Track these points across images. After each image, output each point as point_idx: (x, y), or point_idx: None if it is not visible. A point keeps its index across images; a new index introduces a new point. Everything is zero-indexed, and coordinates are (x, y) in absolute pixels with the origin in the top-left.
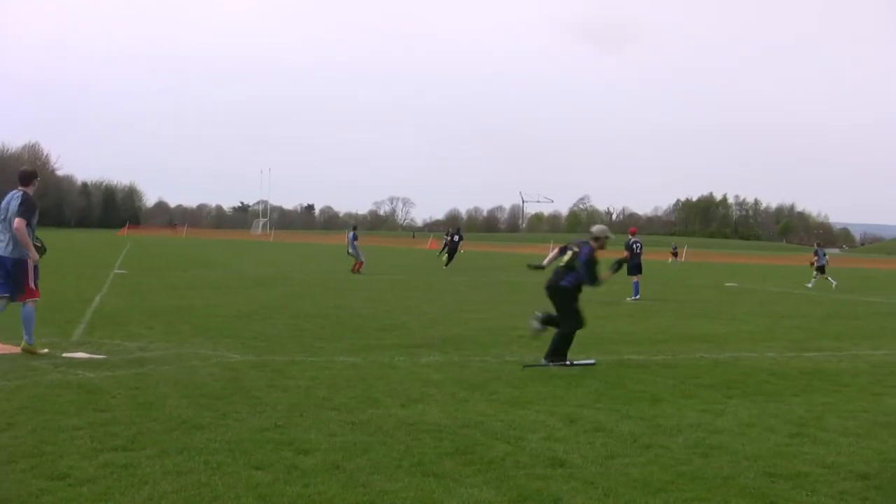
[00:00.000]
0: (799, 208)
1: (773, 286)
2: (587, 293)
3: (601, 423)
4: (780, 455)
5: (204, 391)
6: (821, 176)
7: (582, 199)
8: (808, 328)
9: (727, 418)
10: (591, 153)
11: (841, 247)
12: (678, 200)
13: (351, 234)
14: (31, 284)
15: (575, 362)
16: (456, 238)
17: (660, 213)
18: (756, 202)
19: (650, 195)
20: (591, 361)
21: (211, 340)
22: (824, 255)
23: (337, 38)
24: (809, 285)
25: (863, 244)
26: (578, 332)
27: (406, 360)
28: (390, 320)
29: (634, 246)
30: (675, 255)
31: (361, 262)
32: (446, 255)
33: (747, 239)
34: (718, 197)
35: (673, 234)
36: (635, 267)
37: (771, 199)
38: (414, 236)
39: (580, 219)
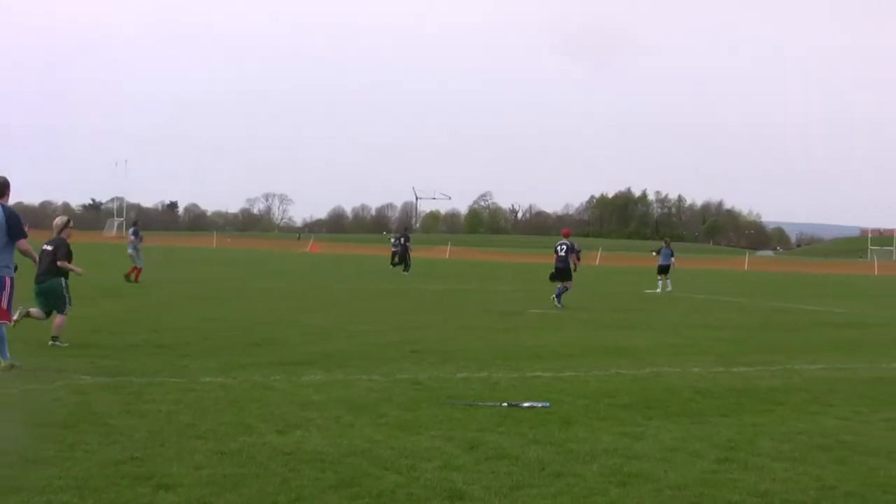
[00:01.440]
0: (728, 206)
1: (698, 293)
2: (484, 306)
3: (505, 449)
4: (708, 483)
5: (47, 419)
6: (752, 171)
7: (483, 195)
8: (738, 340)
9: (647, 442)
10: (493, 146)
11: (774, 248)
12: (592, 197)
13: (132, 230)
14: (3, 305)
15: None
16: (403, 241)
17: (571, 211)
18: (680, 199)
19: (561, 191)
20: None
21: (55, 359)
22: (671, 254)
23: (206, 20)
24: (658, 290)
25: (798, 245)
26: (475, 348)
27: (284, 379)
28: (266, 334)
29: (558, 248)
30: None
31: (139, 269)
32: (399, 261)
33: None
34: (637, 193)
35: (587, 235)
36: (558, 272)
37: (696, 196)
38: (300, 237)
39: (481, 217)
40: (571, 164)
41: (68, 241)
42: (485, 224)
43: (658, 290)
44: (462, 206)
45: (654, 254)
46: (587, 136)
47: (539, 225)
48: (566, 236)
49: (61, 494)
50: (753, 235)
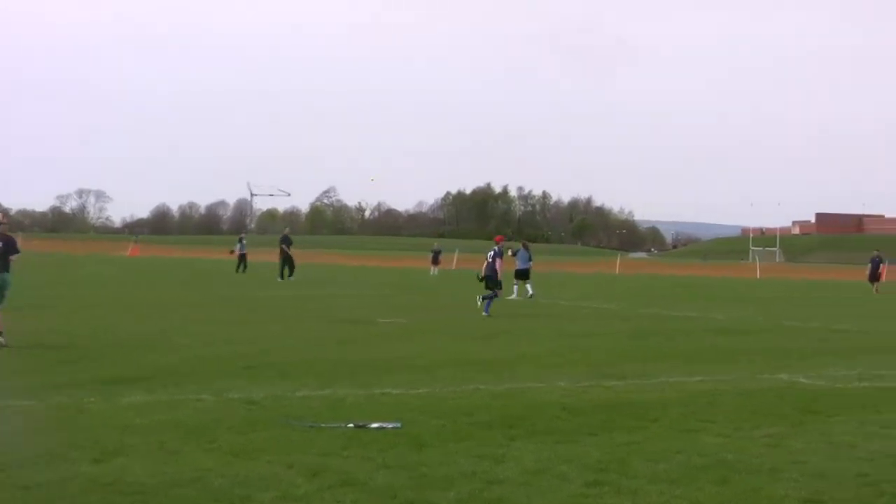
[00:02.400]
0: (597, 203)
1: (565, 299)
2: (328, 314)
3: (351, 474)
4: None
5: None
6: (624, 167)
7: (327, 192)
8: (609, 350)
9: (509, 465)
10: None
11: (648, 250)
12: (448, 194)
13: None
14: None
15: None
16: (285, 246)
17: (425, 209)
18: (544, 196)
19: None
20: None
21: None
22: (528, 257)
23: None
24: (514, 296)
25: (675, 247)
26: (317, 362)
27: (100, 400)
28: (80, 348)
29: (488, 255)
30: (434, 262)
31: None
32: (286, 268)
33: (534, 241)
34: (497, 189)
35: (442, 236)
36: (486, 279)
37: (563, 193)
38: (137, 241)
39: (325, 216)
40: (426, 159)
41: None
42: (329, 223)
43: (514, 296)
44: (303, 204)
45: (510, 254)
46: (443, 130)
47: (389, 224)
48: (498, 242)
49: None
50: (625, 235)
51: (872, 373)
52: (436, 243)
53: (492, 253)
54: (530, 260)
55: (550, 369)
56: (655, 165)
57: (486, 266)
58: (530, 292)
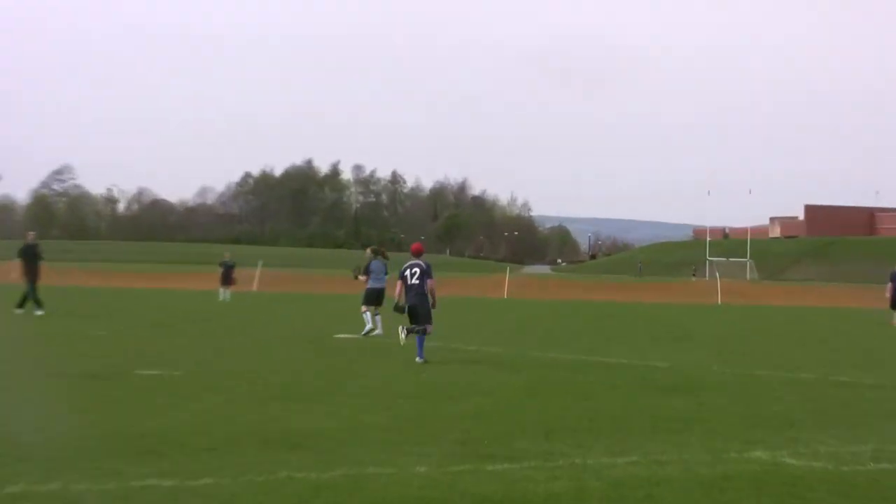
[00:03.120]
0: (474, 192)
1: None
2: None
3: None
4: None
5: None
6: (514, 142)
7: (58, 173)
8: (492, 415)
9: None
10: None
11: (553, 261)
12: (246, 176)
13: None
14: None
15: None
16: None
17: (211, 199)
18: (395, 180)
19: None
20: None
21: None
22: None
23: None
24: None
25: (593, 256)
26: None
27: None
28: None
29: (407, 273)
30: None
31: None
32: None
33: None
34: (323, 169)
35: (236, 241)
36: (413, 311)
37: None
38: None
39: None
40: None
41: None
42: (61, 221)
43: (379, 331)
44: (21, 192)
45: (359, 274)
46: (243, 86)
47: (155, 223)
48: (418, 254)
49: None
50: (519, 239)
51: (892, 449)
52: (227, 254)
53: (416, 271)
54: (386, 274)
55: (403, 446)
56: (563, 137)
57: (409, 290)
58: (369, 325)
